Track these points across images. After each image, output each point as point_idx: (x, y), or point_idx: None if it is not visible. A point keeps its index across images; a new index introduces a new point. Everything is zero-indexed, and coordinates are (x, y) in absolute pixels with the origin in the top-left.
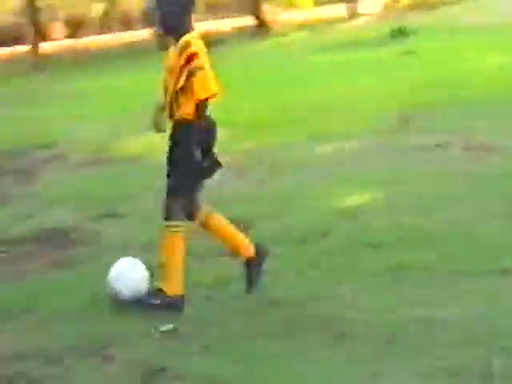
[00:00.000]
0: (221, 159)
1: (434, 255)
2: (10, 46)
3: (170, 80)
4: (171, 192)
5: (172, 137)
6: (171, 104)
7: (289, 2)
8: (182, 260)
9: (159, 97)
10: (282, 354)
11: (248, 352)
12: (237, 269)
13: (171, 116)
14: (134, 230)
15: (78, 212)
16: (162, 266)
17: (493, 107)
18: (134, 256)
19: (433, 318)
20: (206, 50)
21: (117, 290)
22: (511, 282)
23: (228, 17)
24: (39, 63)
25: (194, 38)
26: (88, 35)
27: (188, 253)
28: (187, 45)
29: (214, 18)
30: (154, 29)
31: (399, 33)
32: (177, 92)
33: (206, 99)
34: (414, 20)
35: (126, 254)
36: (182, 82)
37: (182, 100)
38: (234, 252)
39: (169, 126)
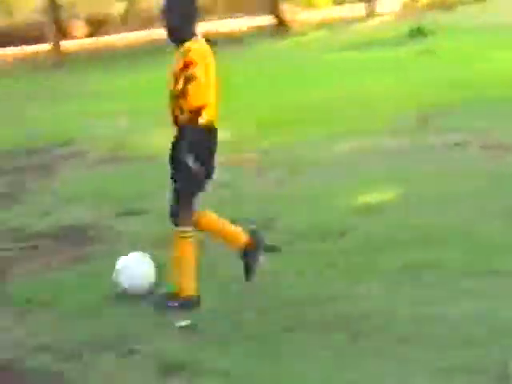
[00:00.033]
0: (237, 159)
1: (451, 254)
2: (32, 44)
3: (172, 84)
4: (180, 199)
5: (173, 141)
6: (174, 109)
7: (308, 1)
8: (194, 262)
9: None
10: (297, 352)
11: (264, 349)
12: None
13: (175, 120)
14: (150, 227)
15: (96, 209)
16: (173, 267)
17: (511, 107)
18: (150, 253)
19: (447, 317)
20: (208, 55)
21: (121, 283)
22: None
23: (247, 16)
24: (60, 61)
25: (195, 45)
26: (109, 33)
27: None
28: (187, 51)
29: (234, 17)
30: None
31: (418, 32)
32: (178, 96)
33: (198, 108)
34: (432, 19)
35: (142, 251)
36: (180, 86)
37: (183, 105)
38: (230, 244)
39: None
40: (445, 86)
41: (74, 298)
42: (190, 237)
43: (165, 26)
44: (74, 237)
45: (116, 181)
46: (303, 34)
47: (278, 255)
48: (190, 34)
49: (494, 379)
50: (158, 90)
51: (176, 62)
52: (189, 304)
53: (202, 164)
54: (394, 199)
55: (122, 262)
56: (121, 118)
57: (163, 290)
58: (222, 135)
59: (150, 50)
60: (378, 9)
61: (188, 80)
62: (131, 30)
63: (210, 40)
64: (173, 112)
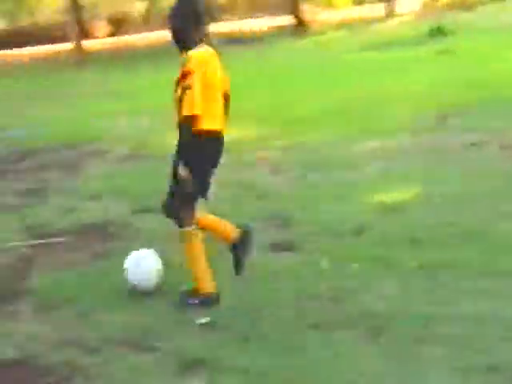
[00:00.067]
0: (257, 156)
1: (467, 254)
2: (54, 43)
3: (174, 90)
4: (181, 200)
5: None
6: (177, 113)
7: (328, 1)
8: (204, 259)
9: None
10: (318, 347)
11: (284, 344)
12: (275, 262)
13: (178, 126)
14: (167, 224)
15: (116, 206)
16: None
17: None
18: (165, 250)
19: (463, 317)
20: (210, 62)
21: (130, 281)
22: None
23: (268, 16)
24: (82, 60)
25: (196, 54)
26: (130, 33)
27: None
28: (187, 61)
29: (255, 17)
30: None
31: (438, 32)
32: (178, 103)
33: (190, 117)
34: (452, 19)
35: (159, 248)
36: (179, 93)
37: (181, 112)
38: (223, 239)
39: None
40: (463, 86)
41: (97, 293)
42: (195, 235)
43: (169, 29)
44: (95, 233)
45: (136, 179)
46: (323, 33)
47: (296, 252)
48: (194, 39)
49: (510, 379)
50: None
51: (179, 70)
52: (209, 301)
53: (197, 173)
54: (411, 199)
55: (130, 260)
56: (142, 117)
57: (184, 288)
58: (241, 134)
59: (170, 50)
60: (398, 9)
61: (184, 89)
62: (152, 30)
63: (214, 45)
64: (176, 116)
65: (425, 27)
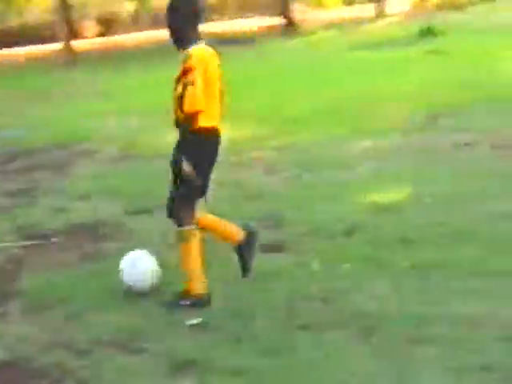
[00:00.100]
0: (250, 157)
1: (458, 254)
2: (43, 43)
3: (174, 88)
4: (181, 200)
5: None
6: (175, 111)
7: (318, 1)
8: (200, 260)
9: None
10: (309, 347)
11: (277, 344)
12: (266, 263)
13: (176, 123)
14: (160, 224)
15: (107, 207)
16: (181, 266)
17: None
18: (160, 251)
19: (454, 317)
20: (210, 60)
21: (125, 282)
22: None
23: (258, 16)
24: (71, 60)
25: (196, 51)
26: (119, 33)
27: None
28: (187, 57)
29: (245, 17)
30: None
31: (428, 32)
32: (178, 100)
33: (192, 114)
34: (442, 19)
35: (153, 249)
36: (179, 91)
37: (181, 109)
38: (223, 239)
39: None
40: (454, 86)
41: (87, 294)
42: (194, 235)
43: (167, 27)
44: (87, 234)
45: (127, 179)
46: (313, 33)
47: (287, 253)
48: (192, 37)
49: (502, 379)
50: (168, 89)
51: (179, 68)
52: (200, 302)
53: (199, 169)
54: (402, 199)
55: (125, 261)
56: (131, 117)
57: (175, 289)
58: (235, 134)
59: (159, 50)
60: (388, 9)
61: (186, 86)
62: (141, 30)
63: (214, 45)
64: (174, 115)
65: (415, 27)
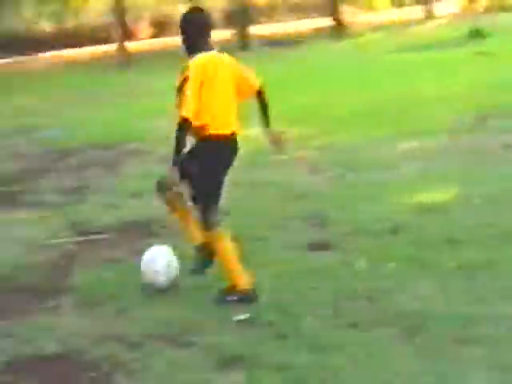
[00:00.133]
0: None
1: (505, 254)
2: (98, 45)
3: (176, 95)
4: (198, 207)
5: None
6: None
7: (367, 3)
8: (235, 258)
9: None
10: (354, 346)
11: (323, 342)
12: (313, 261)
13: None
14: None
15: (158, 205)
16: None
17: None
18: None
19: (501, 317)
20: (212, 68)
21: (142, 278)
22: None
23: (308, 18)
24: (125, 62)
25: (196, 61)
26: (172, 34)
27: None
28: (186, 68)
29: (296, 19)
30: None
31: (476, 34)
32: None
33: (181, 119)
34: (491, 21)
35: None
36: (178, 99)
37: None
38: (189, 237)
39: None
40: (503, 87)
41: (137, 290)
42: (222, 236)
43: (181, 37)
44: (137, 231)
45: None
46: (361, 35)
47: (333, 251)
48: (202, 47)
49: None
50: None
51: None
52: (247, 298)
53: (207, 175)
54: (449, 199)
55: (144, 257)
56: None
57: (222, 285)
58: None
59: None
60: (436, 11)
61: (183, 94)
62: None
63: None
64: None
65: (463, 29)
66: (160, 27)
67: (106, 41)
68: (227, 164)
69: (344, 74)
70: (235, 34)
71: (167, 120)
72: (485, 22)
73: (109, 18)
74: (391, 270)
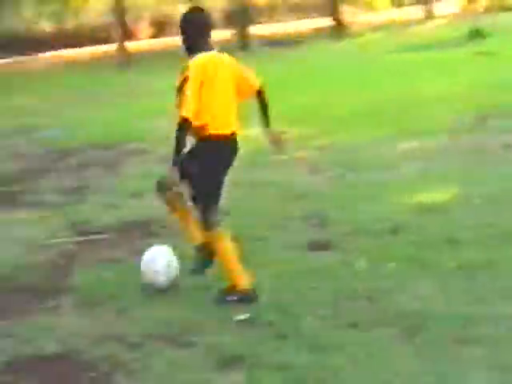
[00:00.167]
0: (298, 155)
1: (505, 254)
2: (98, 45)
3: (177, 95)
4: (198, 207)
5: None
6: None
7: (367, 3)
8: (235, 257)
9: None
10: (354, 346)
11: (323, 342)
12: (313, 261)
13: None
14: None
15: (158, 205)
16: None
17: None
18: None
19: (501, 317)
20: (212, 68)
21: (142, 278)
22: None
23: (308, 18)
24: (125, 61)
25: (196, 61)
26: (172, 35)
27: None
28: (187, 68)
29: (296, 19)
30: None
31: (476, 34)
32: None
33: (181, 119)
34: (491, 21)
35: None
36: (178, 99)
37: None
38: (189, 237)
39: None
40: (504, 87)
41: (137, 290)
42: (222, 236)
43: (181, 37)
44: (137, 231)
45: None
46: (361, 35)
47: (333, 251)
48: (202, 47)
49: None
50: None
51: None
52: (247, 298)
53: (207, 175)
54: (449, 199)
55: (144, 257)
56: None
57: (222, 285)
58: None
59: None
60: (436, 11)
61: (183, 94)
62: None
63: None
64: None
65: (463, 29)
66: (160, 27)
67: (106, 41)
68: (227, 164)
69: (344, 73)
70: (235, 34)
71: (167, 120)
72: (485, 22)
73: (109, 18)
74: (391, 269)
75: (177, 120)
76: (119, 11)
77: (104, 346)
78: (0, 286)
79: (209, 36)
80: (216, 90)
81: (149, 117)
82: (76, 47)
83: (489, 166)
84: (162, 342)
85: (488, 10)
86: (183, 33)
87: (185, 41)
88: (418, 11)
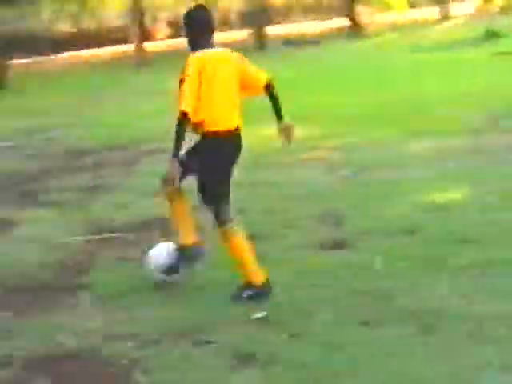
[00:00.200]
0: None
1: None
2: (117, 45)
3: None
4: (208, 203)
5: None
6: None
7: (384, 4)
8: (248, 252)
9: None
10: (368, 344)
11: (336, 339)
12: (329, 259)
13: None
14: None
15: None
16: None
17: None
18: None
19: None
20: (213, 64)
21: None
22: None
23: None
24: (143, 62)
25: (195, 58)
26: None
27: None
28: (187, 64)
29: (312, 20)
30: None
31: (492, 35)
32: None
33: (180, 113)
34: (506, 22)
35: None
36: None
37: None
38: (182, 237)
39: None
40: None
41: (153, 288)
42: (235, 232)
43: (185, 35)
44: (154, 229)
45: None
46: (377, 35)
47: (348, 250)
48: (204, 44)
49: None
50: None
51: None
52: (263, 292)
53: (212, 172)
54: (463, 198)
55: (149, 253)
56: None
57: (238, 282)
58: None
59: None
60: (452, 12)
61: (182, 89)
62: None
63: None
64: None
65: (478, 30)
66: (177, 28)
67: (124, 41)
68: (229, 161)
69: (359, 73)
70: (252, 34)
71: None
72: (501, 23)
73: (127, 19)
74: (405, 268)
75: (177, 114)
76: (137, 12)
77: (118, 344)
78: (15, 285)
79: (211, 34)
80: (215, 86)
81: (167, 116)
82: (94, 48)
83: (501, 166)
84: (177, 339)
85: (504, 10)
86: (186, 30)
87: (187, 37)
88: (434, 12)
